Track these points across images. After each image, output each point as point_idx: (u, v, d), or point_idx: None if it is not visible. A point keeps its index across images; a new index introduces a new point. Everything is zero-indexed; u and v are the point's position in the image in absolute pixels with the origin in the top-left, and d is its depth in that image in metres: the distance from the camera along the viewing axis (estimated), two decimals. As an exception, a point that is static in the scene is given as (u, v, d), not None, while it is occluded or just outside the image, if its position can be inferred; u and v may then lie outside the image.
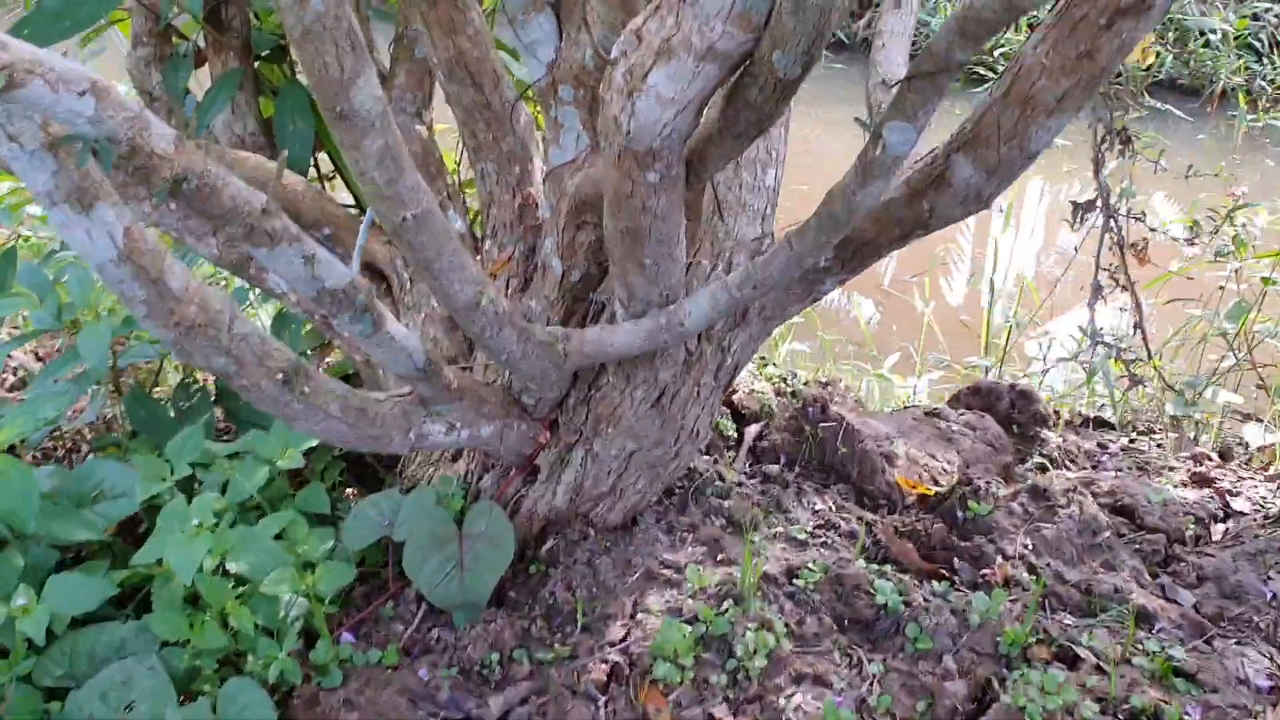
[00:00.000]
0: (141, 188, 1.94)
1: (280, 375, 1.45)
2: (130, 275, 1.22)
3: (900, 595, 1.70)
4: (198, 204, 1.16)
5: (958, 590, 1.79)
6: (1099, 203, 2.36)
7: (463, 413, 1.78)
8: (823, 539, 1.96)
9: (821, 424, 2.23)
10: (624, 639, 1.72)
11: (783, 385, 2.56)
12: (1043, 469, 2.39)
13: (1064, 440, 2.51)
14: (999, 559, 1.86)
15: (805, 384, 2.62)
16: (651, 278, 1.55)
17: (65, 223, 1.15)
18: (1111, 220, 2.37)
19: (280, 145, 2.18)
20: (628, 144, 1.33)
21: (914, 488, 2.10)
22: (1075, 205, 2.29)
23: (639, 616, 1.75)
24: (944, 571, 1.86)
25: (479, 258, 2.19)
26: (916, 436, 2.24)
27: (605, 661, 1.66)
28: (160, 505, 1.90)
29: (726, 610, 1.69)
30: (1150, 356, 2.34)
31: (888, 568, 1.83)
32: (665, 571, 1.88)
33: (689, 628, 1.66)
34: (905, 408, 2.57)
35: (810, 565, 1.81)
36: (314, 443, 2.07)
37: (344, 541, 1.92)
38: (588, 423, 1.88)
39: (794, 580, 1.79)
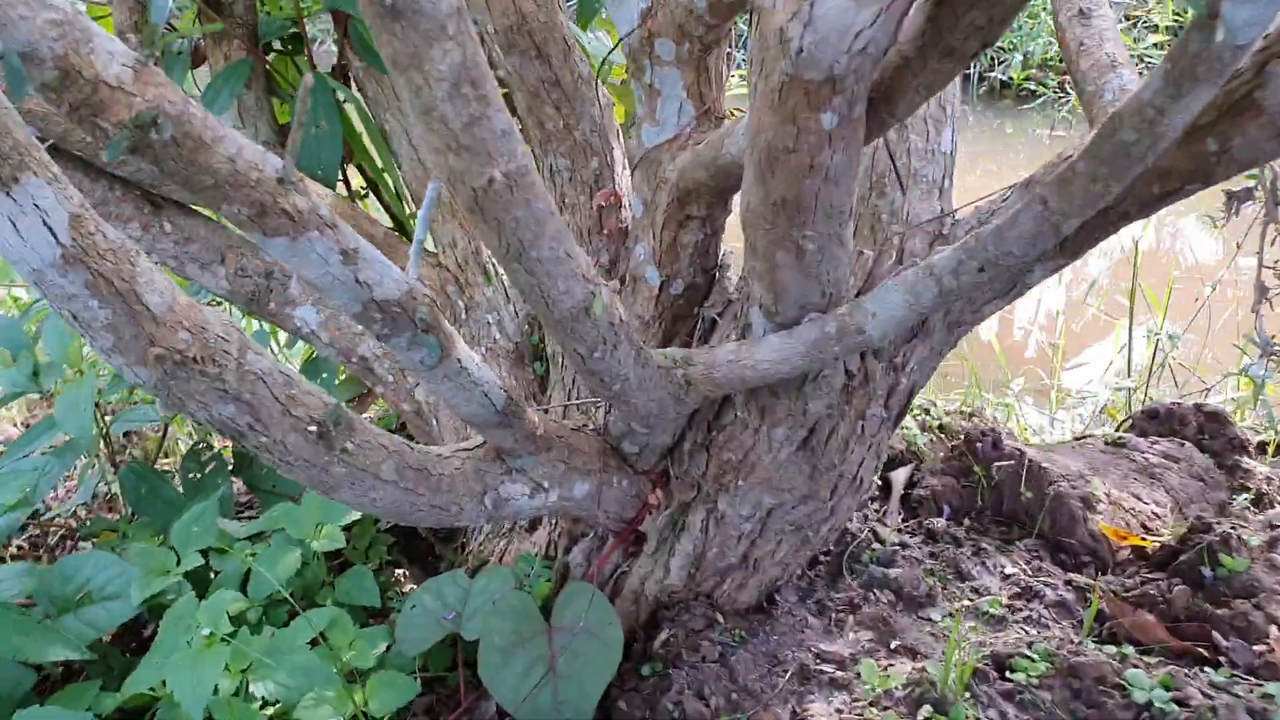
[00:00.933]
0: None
1: (314, 428, 1.06)
2: (82, 286, 0.84)
3: (1165, 690, 1.26)
4: (175, 165, 0.78)
5: (1238, 677, 1.34)
6: (1258, 190, 1.97)
7: (550, 467, 1.38)
8: (1025, 612, 1.53)
9: (996, 463, 1.81)
10: (786, 767, 1.30)
11: (926, 418, 2.13)
12: (1256, 503, 1.95)
13: (1274, 470, 2.07)
14: (1274, 629, 1.42)
15: (947, 415, 2.19)
16: (811, 269, 1.14)
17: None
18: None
19: (301, 155, 1.81)
20: (796, 70, 0.94)
21: (1124, 539, 1.67)
22: (1230, 195, 1.88)
23: (804, 735, 1.33)
24: (1202, 650, 1.42)
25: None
26: (1112, 473, 1.82)
27: (767, 803, 1.24)
28: (167, 604, 1.52)
29: (934, 723, 1.27)
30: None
31: (1127, 649, 1.40)
32: (825, 668, 1.46)
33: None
34: (1080, 438, 2.14)
35: (1027, 652, 1.38)
36: (356, 515, 1.67)
37: (400, 644, 1.52)
38: (708, 474, 1.48)
39: (1009, 675, 1.36)
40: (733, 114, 1.54)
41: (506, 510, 1.34)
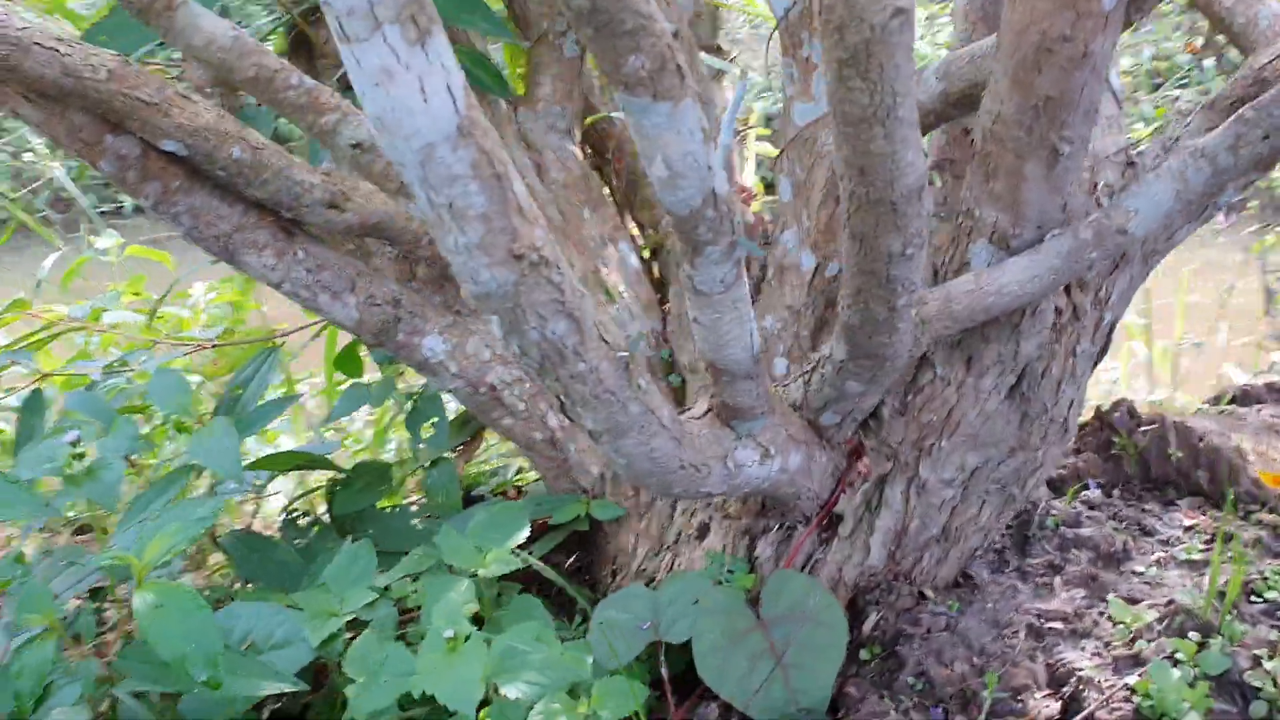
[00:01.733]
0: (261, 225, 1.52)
1: (621, 356, 1.02)
2: (468, 166, 0.81)
3: None
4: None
5: None
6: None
7: (774, 432, 1.35)
8: (1228, 553, 1.53)
9: (1138, 430, 1.83)
10: (1067, 713, 1.26)
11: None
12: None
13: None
14: None
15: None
16: (1058, 180, 1.16)
17: (387, 70, 0.73)
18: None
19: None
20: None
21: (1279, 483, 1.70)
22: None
23: (1073, 682, 1.29)
24: None
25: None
26: (1244, 430, 1.85)
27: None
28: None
29: (1213, 643, 1.24)
30: None
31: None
32: (1055, 625, 1.43)
33: (1176, 671, 1.21)
34: (1198, 409, 2.18)
35: (1267, 575, 1.38)
36: (523, 535, 1.60)
37: (598, 656, 1.44)
38: (906, 440, 1.46)
39: (1256, 597, 1.35)
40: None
41: (741, 478, 1.30)
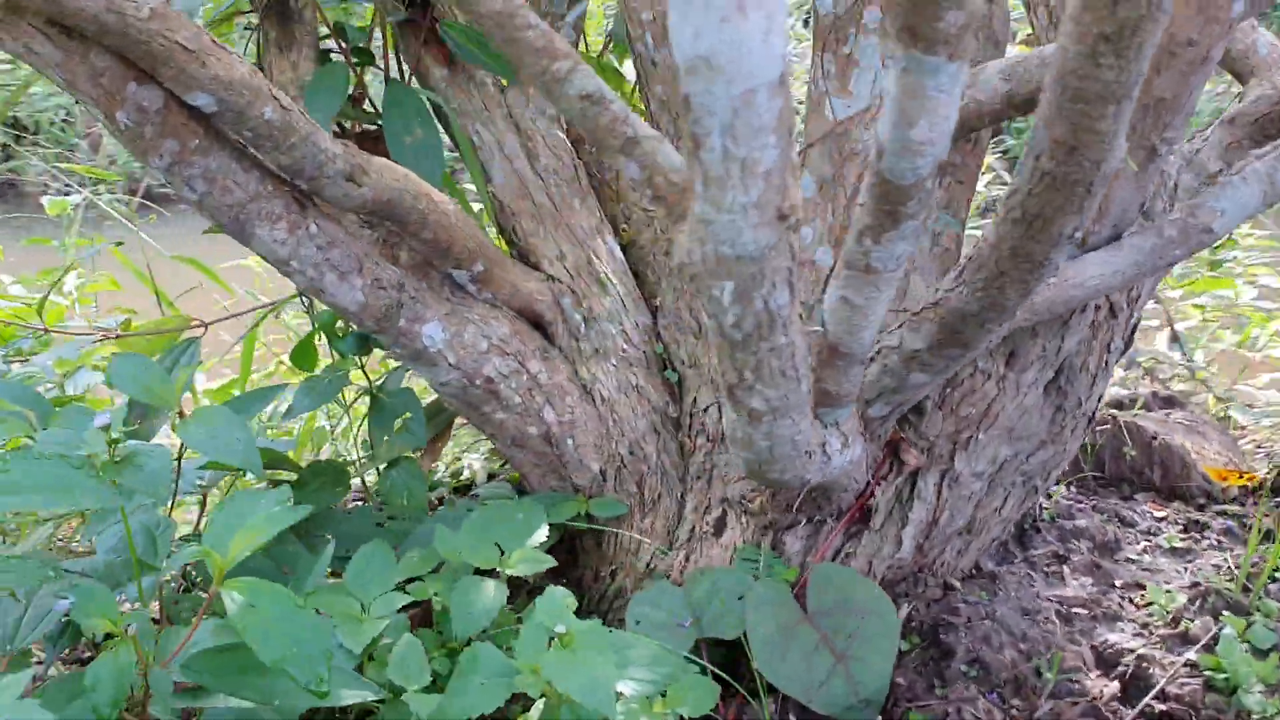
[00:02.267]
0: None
1: (813, 332, 1.00)
2: (775, 117, 0.77)
3: None
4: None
5: None
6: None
7: (854, 421, 1.35)
8: (1206, 541, 1.66)
9: (1093, 429, 1.95)
10: (1127, 691, 1.32)
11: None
12: None
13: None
14: None
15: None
16: (1145, 179, 1.23)
17: (741, 4, 0.70)
18: None
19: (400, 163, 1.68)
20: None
21: (1225, 478, 1.85)
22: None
23: (1128, 661, 1.36)
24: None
25: (664, 278, 1.77)
26: (1177, 431, 2.01)
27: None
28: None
29: (1255, 620, 1.34)
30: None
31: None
32: (1078, 610, 1.50)
33: (1241, 645, 1.29)
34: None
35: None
36: (543, 534, 1.53)
37: (647, 657, 1.40)
38: (943, 433, 1.50)
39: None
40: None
41: (830, 466, 1.30)
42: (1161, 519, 1.77)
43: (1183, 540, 1.68)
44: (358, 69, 1.78)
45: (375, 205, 1.48)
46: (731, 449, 1.26)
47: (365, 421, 1.85)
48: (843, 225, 1.60)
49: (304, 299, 1.91)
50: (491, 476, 2.29)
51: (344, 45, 1.69)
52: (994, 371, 1.46)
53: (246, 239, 1.41)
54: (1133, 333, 1.52)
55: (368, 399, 1.83)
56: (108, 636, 1.05)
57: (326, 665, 1.03)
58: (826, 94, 1.58)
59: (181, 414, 1.49)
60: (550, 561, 1.47)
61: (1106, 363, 1.48)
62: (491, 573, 1.49)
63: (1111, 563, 1.61)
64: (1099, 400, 1.52)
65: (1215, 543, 1.66)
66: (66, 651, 1.51)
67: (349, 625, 1.33)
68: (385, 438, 1.83)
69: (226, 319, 2.02)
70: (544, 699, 1.22)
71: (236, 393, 2.44)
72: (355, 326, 1.59)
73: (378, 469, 1.89)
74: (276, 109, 1.32)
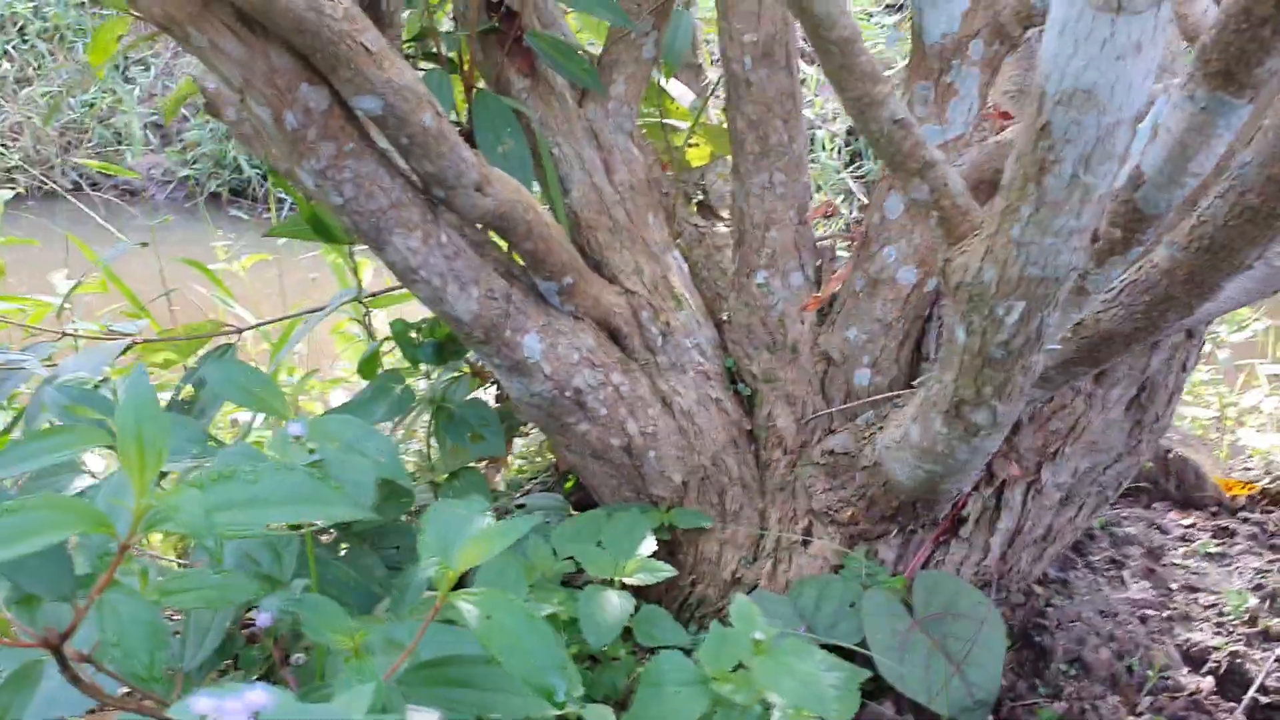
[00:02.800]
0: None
1: (1051, 349, 1.07)
2: (1123, 147, 0.84)
3: None
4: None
5: None
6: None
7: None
8: (1239, 545, 1.80)
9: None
10: (1222, 686, 1.44)
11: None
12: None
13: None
14: None
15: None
16: None
17: (1138, 44, 0.76)
18: None
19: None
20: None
21: (1230, 488, 2.01)
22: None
23: (1217, 658, 1.47)
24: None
25: (734, 294, 1.82)
26: (1175, 444, 2.16)
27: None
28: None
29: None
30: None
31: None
32: (1149, 612, 1.61)
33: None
34: None
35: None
36: (651, 544, 1.56)
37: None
38: (1032, 447, 1.59)
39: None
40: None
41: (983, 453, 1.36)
42: (1189, 526, 1.92)
43: (1217, 546, 1.83)
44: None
45: (495, 216, 1.49)
46: (902, 462, 1.32)
47: (429, 434, 1.83)
48: (928, 247, 1.68)
49: (361, 304, 1.88)
50: (512, 487, 2.29)
51: (440, 52, 1.68)
52: (1083, 387, 1.56)
53: (381, 246, 1.40)
54: (1200, 352, 1.65)
55: (432, 409, 1.81)
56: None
57: (563, 676, 1.04)
58: (921, 120, 1.66)
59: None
60: (672, 571, 1.50)
61: (1180, 381, 1.60)
62: (606, 583, 1.51)
63: (1162, 567, 1.74)
64: (1172, 416, 1.64)
65: (1246, 547, 1.81)
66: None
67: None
68: (449, 448, 1.83)
69: (264, 324, 1.97)
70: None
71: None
72: (461, 337, 1.58)
73: (432, 482, 1.87)
74: (434, 116, 1.32)
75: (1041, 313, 0.95)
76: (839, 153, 6.94)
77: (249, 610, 1.43)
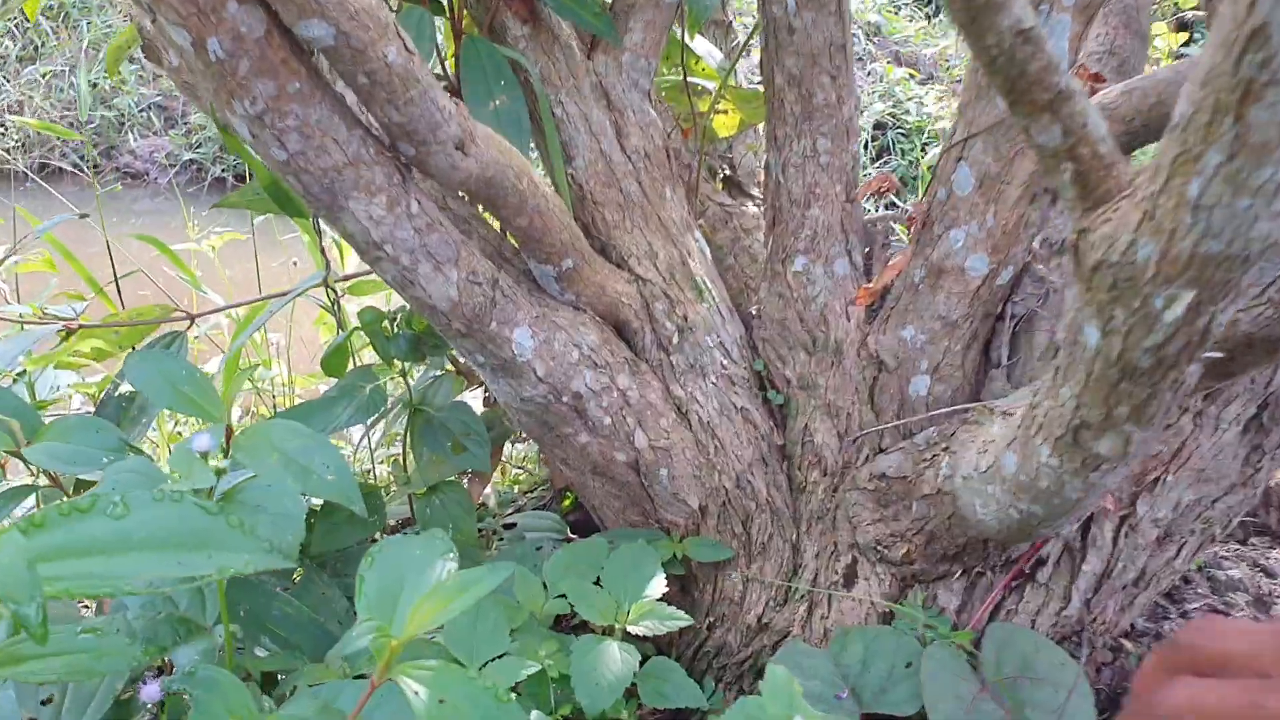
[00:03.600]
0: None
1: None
2: None
3: None
4: None
5: None
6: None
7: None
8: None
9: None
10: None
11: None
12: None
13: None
14: None
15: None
16: None
17: None
18: None
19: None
20: None
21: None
22: None
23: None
24: None
25: (766, 283, 1.56)
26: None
27: None
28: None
29: None
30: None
31: None
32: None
33: None
34: None
35: None
36: (660, 584, 1.30)
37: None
38: (1128, 475, 1.32)
39: None
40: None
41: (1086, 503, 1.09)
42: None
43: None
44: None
45: (480, 182, 1.23)
46: (987, 499, 1.06)
47: (405, 442, 1.57)
48: (1004, 231, 1.41)
49: (331, 289, 1.62)
50: (504, 502, 2.03)
51: (421, -12, 1.43)
52: (1192, 405, 1.29)
53: (336, 213, 1.14)
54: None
55: (409, 412, 1.55)
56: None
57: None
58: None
59: (229, 430, 1.20)
60: (686, 620, 1.24)
61: (1310, 399, 1.33)
62: (606, 630, 1.25)
63: (1270, 618, 1.48)
64: (1293, 441, 1.37)
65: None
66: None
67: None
68: (425, 458, 1.57)
69: (219, 310, 1.72)
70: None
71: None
72: (439, 329, 1.32)
73: (410, 495, 1.61)
74: (401, 51, 1.06)
75: (1215, 305, 0.69)
76: (866, 146, 6.63)
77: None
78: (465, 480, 1.70)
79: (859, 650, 1.29)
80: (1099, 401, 0.79)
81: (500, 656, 1.15)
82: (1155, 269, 0.67)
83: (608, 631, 1.24)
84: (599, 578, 1.32)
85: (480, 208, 1.50)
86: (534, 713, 1.08)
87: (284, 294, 1.68)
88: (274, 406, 2.51)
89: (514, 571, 1.37)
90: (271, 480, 0.99)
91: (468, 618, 1.17)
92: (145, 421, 1.55)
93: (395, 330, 1.49)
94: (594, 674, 1.17)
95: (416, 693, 0.77)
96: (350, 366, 1.63)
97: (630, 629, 1.23)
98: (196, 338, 2.57)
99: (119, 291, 1.96)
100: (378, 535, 1.54)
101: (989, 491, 1.07)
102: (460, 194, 1.45)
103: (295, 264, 3.00)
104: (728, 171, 1.86)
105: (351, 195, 1.13)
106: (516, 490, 2.12)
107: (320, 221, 1.66)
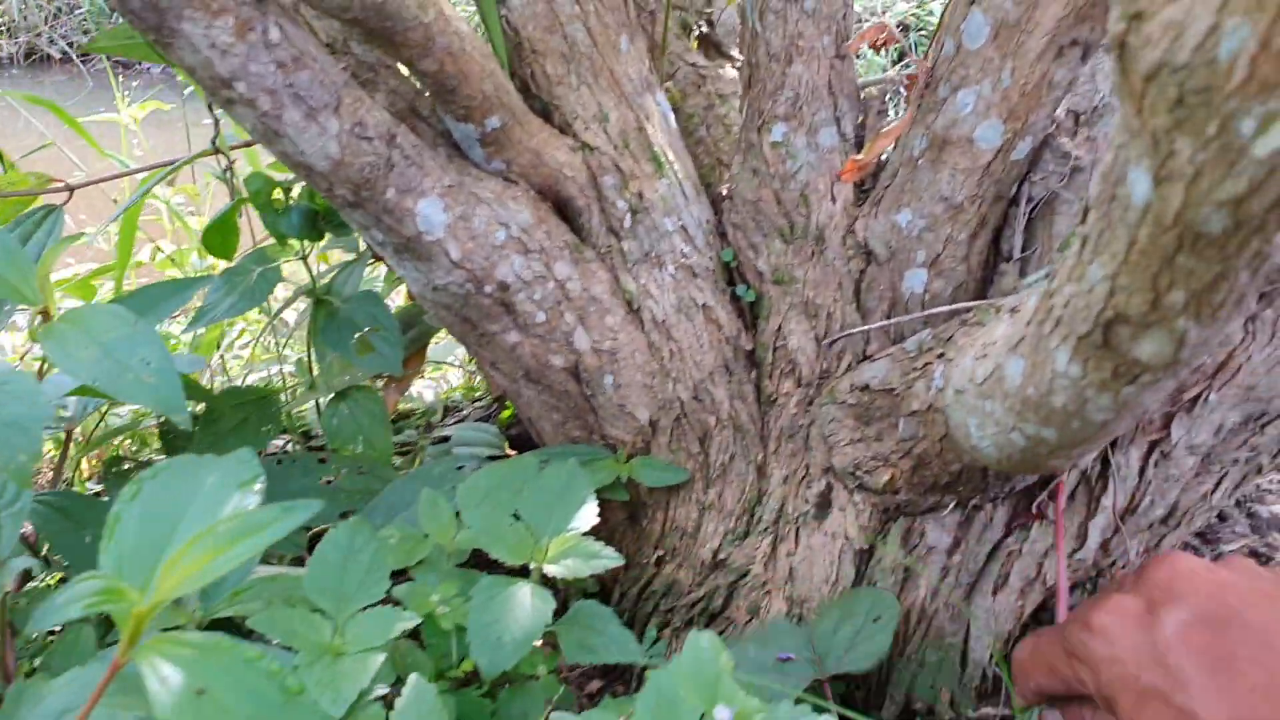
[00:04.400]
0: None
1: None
2: None
3: None
4: None
5: None
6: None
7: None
8: None
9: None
10: None
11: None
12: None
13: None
14: None
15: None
16: None
17: None
18: None
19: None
20: None
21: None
22: None
23: None
24: None
25: (739, 156, 1.32)
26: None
27: None
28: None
29: None
30: None
31: None
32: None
33: None
34: None
35: None
36: (591, 514, 1.08)
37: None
38: (1161, 392, 1.09)
39: None
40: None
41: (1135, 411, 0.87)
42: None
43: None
44: None
45: (364, 6, 0.99)
46: (984, 417, 0.84)
47: (307, 334, 1.36)
48: (1023, 92, 1.16)
49: (220, 158, 1.38)
50: (448, 410, 1.81)
51: None
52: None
53: (168, 39, 0.90)
54: None
55: (310, 303, 1.33)
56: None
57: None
58: (1024, -101, 1.13)
59: (46, 314, 0.98)
60: (616, 559, 1.03)
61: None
62: (521, 570, 1.04)
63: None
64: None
65: None
66: None
67: (322, 667, 0.86)
68: (328, 360, 1.35)
69: (100, 181, 1.49)
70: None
71: (106, 286, 1.91)
72: (322, 195, 1.09)
73: (317, 402, 1.40)
74: None
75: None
76: (885, 49, 6.24)
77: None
78: (380, 386, 1.49)
79: (835, 615, 1.08)
80: (1144, 284, 0.56)
81: (378, 604, 0.94)
82: (1247, 72, 0.43)
83: (522, 573, 1.03)
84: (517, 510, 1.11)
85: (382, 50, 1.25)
86: (412, 675, 0.87)
87: (171, 163, 1.45)
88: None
89: (427, 492, 1.16)
90: (5, 373, 0.77)
91: (336, 555, 0.96)
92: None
93: (288, 202, 1.26)
94: (495, 626, 0.96)
95: (164, 680, 0.56)
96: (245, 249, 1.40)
97: (548, 569, 1.02)
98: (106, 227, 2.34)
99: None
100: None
101: (986, 409, 0.84)
102: (348, 25, 1.21)
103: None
104: (704, 28, 1.60)
105: (185, 14, 0.89)
106: (471, 398, 1.90)
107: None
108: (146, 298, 1.06)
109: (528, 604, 0.99)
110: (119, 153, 2.20)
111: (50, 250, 0.98)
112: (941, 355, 1.08)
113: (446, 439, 1.57)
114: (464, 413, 1.77)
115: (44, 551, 1.26)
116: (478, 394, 1.89)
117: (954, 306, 1.15)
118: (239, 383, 1.86)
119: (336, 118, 1.01)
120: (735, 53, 1.60)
